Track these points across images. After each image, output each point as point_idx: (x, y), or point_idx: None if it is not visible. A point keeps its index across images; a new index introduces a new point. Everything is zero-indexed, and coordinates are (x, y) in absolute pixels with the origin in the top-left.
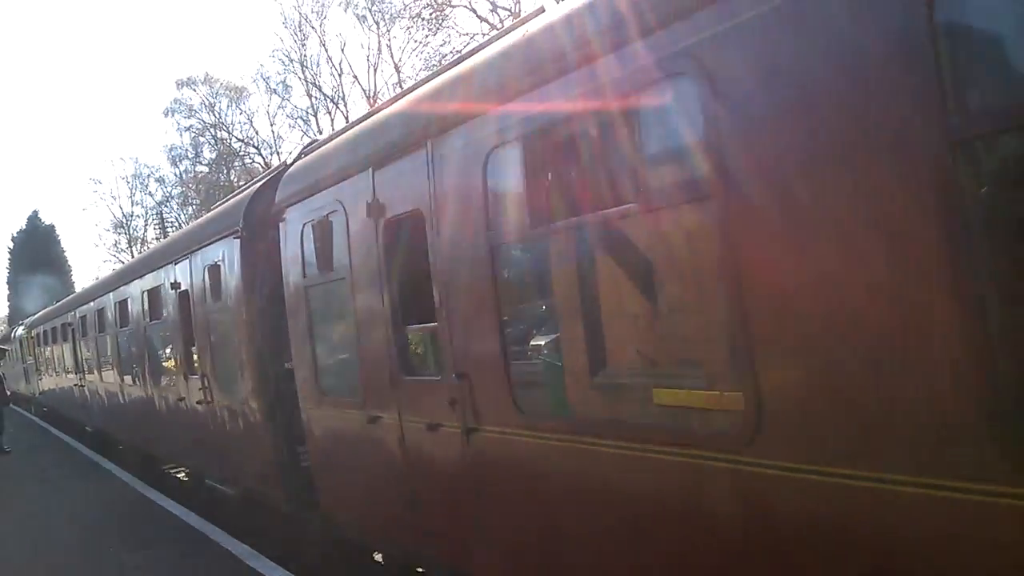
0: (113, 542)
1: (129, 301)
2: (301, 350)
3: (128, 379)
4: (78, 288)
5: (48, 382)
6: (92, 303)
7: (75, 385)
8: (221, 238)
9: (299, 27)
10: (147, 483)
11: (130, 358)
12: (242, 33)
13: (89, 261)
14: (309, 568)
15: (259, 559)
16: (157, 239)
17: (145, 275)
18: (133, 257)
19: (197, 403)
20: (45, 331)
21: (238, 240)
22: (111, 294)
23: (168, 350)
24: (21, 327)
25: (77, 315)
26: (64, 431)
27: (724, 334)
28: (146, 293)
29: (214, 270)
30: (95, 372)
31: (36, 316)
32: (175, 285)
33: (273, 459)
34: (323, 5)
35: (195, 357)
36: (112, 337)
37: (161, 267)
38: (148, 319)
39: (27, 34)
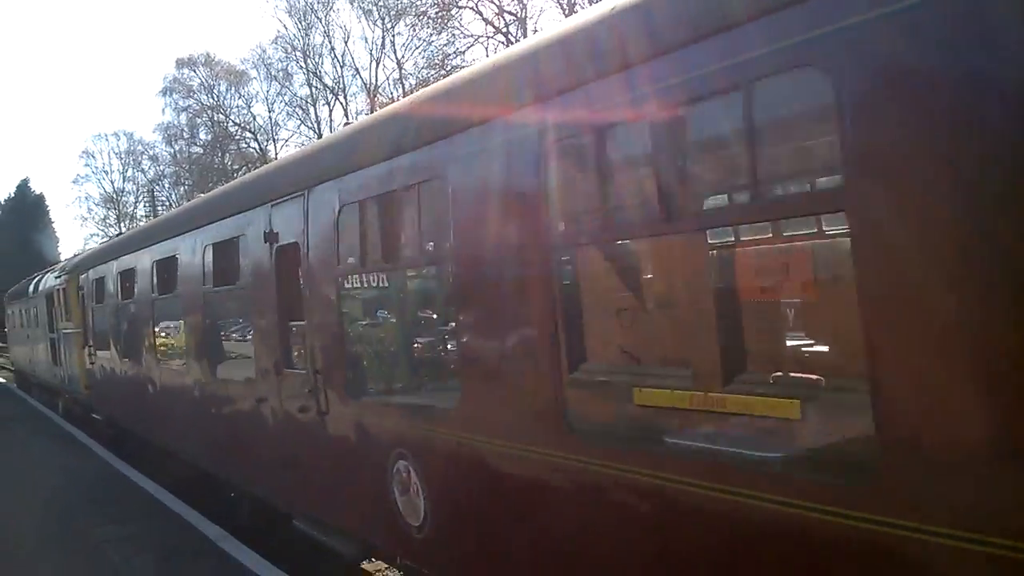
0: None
1: None
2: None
3: None
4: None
5: (120, 369)
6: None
7: (259, 400)
8: None
9: (304, 16)
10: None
11: None
12: (245, 16)
13: (77, 235)
14: (280, 552)
15: (228, 540)
16: (147, 216)
17: None
18: (122, 232)
19: None
20: (124, 272)
21: None
22: None
23: None
24: (55, 274)
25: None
26: None
27: None
28: None
29: None
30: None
31: (93, 252)
32: None
33: None
34: None
35: None
36: None
37: None
38: None
39: (25, 2)
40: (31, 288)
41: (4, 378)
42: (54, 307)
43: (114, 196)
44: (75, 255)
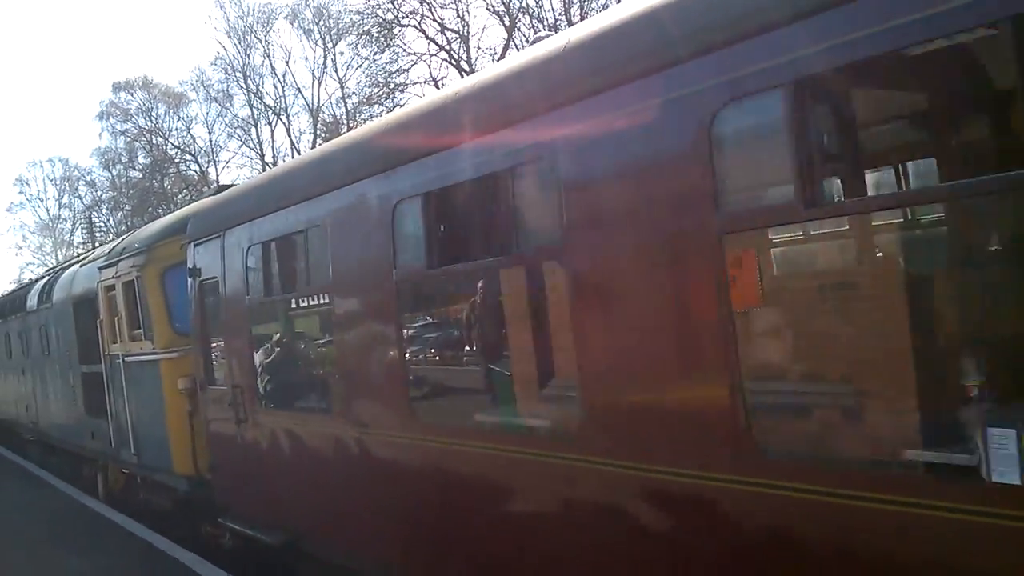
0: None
1: None
2: None
3: None
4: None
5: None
6: None
7: None
8: None
9: (243, 37)
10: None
11: None
12: (183, 38)
13: (12, 264)
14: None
15: (204, 564)
16: (84, 244)
17: None
18: (58, 262)
19: None
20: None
21: None
22: None
23: None
24: (101, 261)
25: None
26: None
27: None
28: None
29: None
30: None
31: (235, 193)
32: None
33: None
34: (269, 17)
35: None
36: None
37: None
38: None
39: None
40: (35, 298)
41: None
42: (99, 319)
43: (50, 224)
44: (129, 232)
